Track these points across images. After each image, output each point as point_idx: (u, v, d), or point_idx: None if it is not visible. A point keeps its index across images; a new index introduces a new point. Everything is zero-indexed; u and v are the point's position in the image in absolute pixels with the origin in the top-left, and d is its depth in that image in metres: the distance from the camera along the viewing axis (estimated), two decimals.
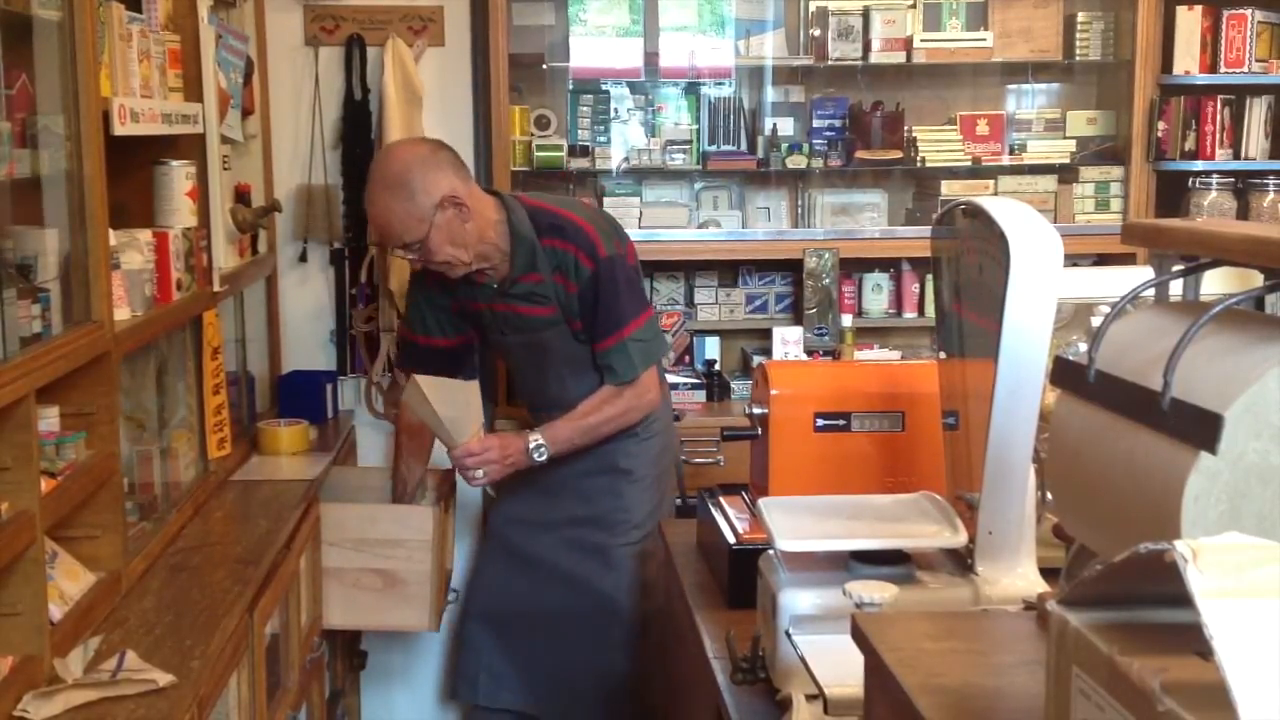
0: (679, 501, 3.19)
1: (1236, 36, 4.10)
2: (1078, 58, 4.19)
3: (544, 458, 2.93)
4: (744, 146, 4.20)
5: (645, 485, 3.05)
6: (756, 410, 2.38)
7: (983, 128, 4.21)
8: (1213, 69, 4.12)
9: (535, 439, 2.92)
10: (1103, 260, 3.95)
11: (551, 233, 2.89)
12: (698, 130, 4.14)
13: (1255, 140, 4.19)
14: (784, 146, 4.10)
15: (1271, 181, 4.10)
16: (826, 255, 4.05)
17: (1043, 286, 1.70)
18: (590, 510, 3.05)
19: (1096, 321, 1.85)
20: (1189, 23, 4.09)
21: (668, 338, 3.11)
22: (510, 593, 3.15)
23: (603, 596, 3.04)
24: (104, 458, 2.24)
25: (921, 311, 4.18)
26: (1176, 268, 1.27)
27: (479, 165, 3.97)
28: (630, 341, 2.91)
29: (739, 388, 3.97)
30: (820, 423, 2.33)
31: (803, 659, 1.71)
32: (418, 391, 3.01)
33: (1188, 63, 4.10)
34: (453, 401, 2.98)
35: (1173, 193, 4.18)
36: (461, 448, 2.92)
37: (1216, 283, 1.31)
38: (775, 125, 4.17)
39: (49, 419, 2.11)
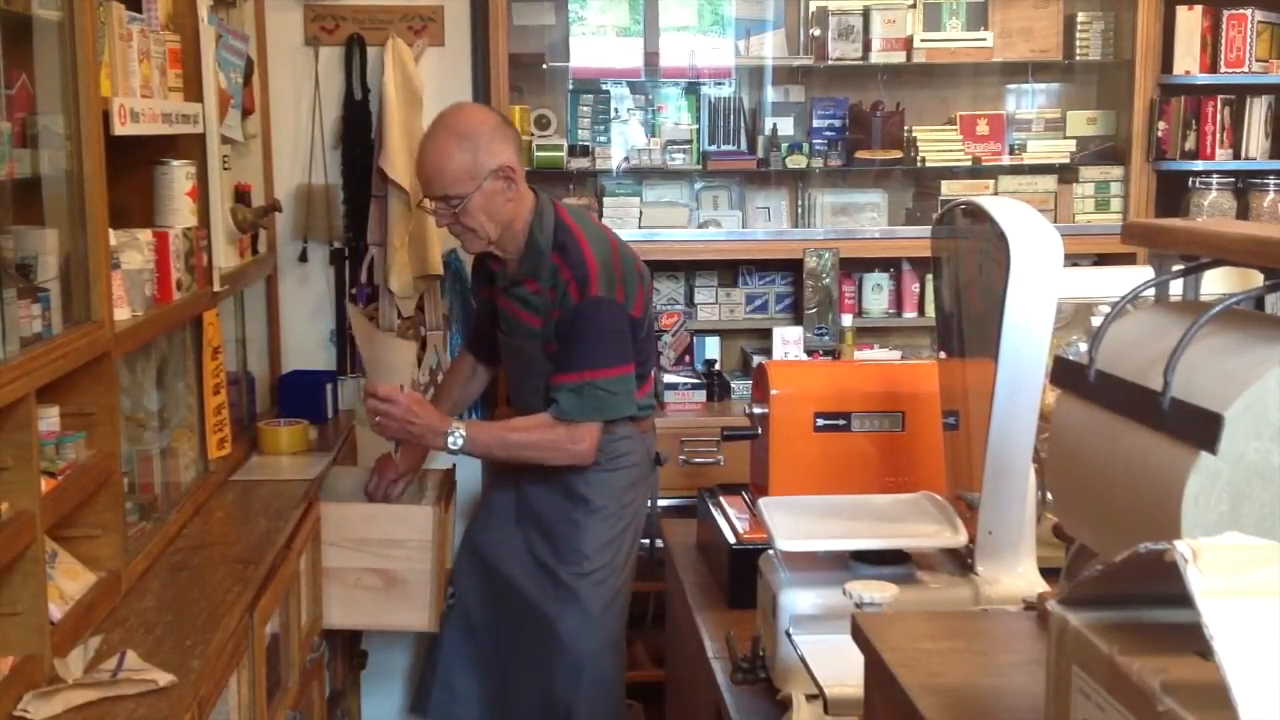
0: (645, 542, 3.10)
1: (1236, 36, 4.10)
2: (1078, 58, 4.20)
3: (458, 448, 2.87)
4: (744, 146, 4.20)
5: (603, 517, 2.95)
6: (756, 410, 2.38)
7: (983, 128, 4.21)
8: (1213, 69, 4.12)
9: (457, 427, 2.88)
10: (1103, 260, 3.95)
11: (560, 251, 2.87)
12: (698, 130, 4.15)
13: (1255, 140, 4.19)
14: (784, 146, 4.10)
15: (1271, 181, 4.11)
16: (826, 255, 4.05)
17: (1043, 286, 1.70)
18: (546, 533, 2.97)
19: (1096, 321, 1.85)
20: (1189, 23, 4.09)
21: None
22: (474, 606, 3.08)
23: (546, 622, 2.95)
24: (104, 458, 2.24)
25: (921, 311, 4.18)
26: (1176, 268, 1.27)
27: None
28: (588, 386, 2.83)
29: (739, 388, 3.97)
30: (820, 423, 2.33)
31: (803, 659, 1.71)
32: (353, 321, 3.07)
33: (1188, 63, 4.10)
34: (373, 344, 3.01)
35: (1173, 193, 4.18)
36: (370, 386, 2.96)
37: (1216, 283, 1.32)
38: (775, 125, 4.17)
39: (49, 419, 2.10)
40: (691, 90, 4.18)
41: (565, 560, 2.94)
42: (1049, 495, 1.80)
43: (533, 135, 4.03)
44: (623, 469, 2.96)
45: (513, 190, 2.84)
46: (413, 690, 3.79)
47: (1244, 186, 4.16)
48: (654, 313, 3.14)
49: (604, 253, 2.87)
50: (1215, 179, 4.11)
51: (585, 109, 4.13)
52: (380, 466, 3.17)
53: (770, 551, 1.93)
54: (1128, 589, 0.90)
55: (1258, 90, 4.19)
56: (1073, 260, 3.00)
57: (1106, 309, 1.23)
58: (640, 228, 4.06)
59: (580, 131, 4.12)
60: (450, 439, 2.86)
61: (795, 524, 1.89)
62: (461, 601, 3.11)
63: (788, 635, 1.78)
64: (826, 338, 4.03)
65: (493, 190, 2.81)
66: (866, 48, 4.10)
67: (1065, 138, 4.26)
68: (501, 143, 2.83)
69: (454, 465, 3.78)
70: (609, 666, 2.96)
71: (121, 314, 2.39)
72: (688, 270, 4.21)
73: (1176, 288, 1.27)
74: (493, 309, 3.06)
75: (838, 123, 4.17)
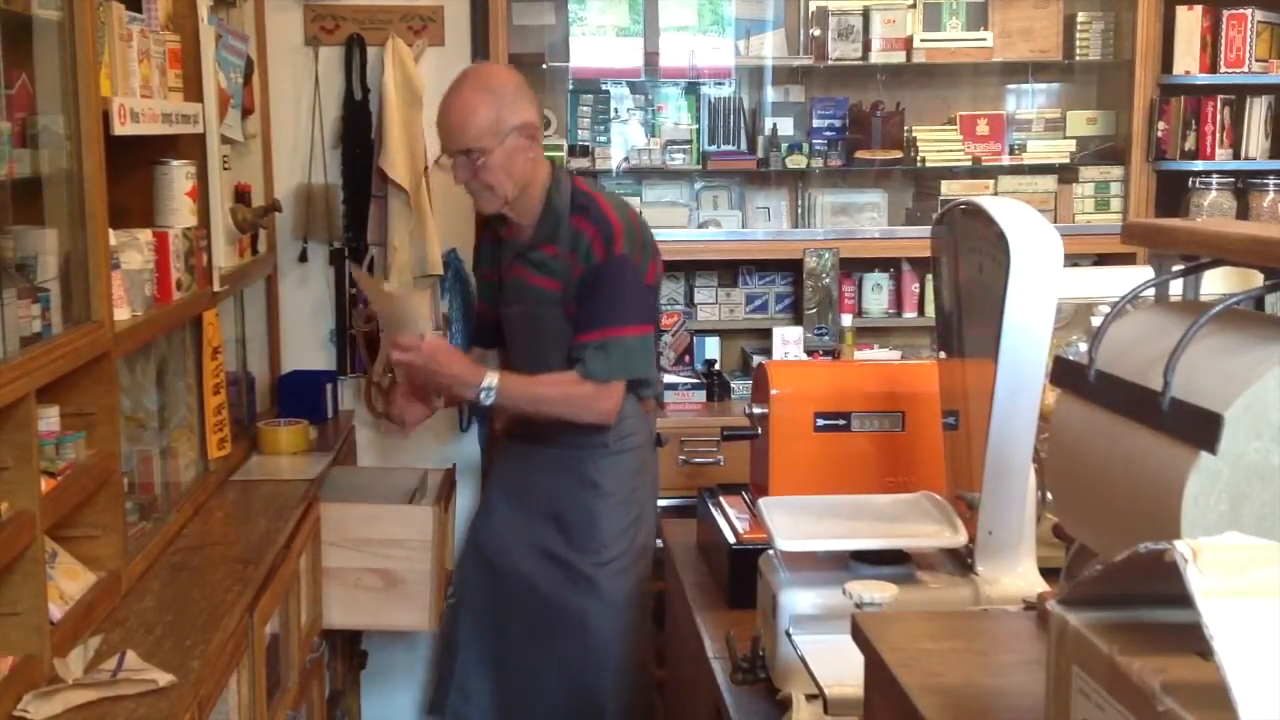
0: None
1: (1236, 36, 4.10)
2: (1078, 58, 4.20)
3: (489, 402, 2.83)
4: (744, 146, 4.20)
5: (615, 503, 2.94)
6: (756, 410, 2.38)
7: (983, 128, 4.21)
8: (1213, 69, 4.12)
9: (490, 380, 2.82)
10: (1103, 260, 3.95)
11: (580, 212, 2.87)
12: (698, 130, 4.15)
13: (1255, 140, 4.19)
14: (784, 146, 4.10)
15: (1271, 181, 4.11)
16: (826, 255, 4.05)
17: (1043, 286, 1.70)
18: (559, 524, 2.95)
19: (1096, 321, 1.85)
20: (1189, 23, 4.09)
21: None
22: (485, 608, 3.05)
23: (565, 616, 2.94)
24: (104, 458, 2.24)
25: (921, 311, 4.18)
26: (1176, 268, 1.26)
27: None
28: (612, 342, 2.82)
29: (739, 388, 3.97)
30: (820, 423, 2.33)
31: (803, 659, 1.71)
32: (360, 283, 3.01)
33: (1188, 63, 4.10)
34: (386, 301, 2.97)
35: (1173, 193, 4.18)
36: (395, 338, 2.88)
37: (1216, 283, 1.32)
38: (775, 125, 4.17)
39: (49, 419, 2.11)
40: (691, 90, 4.18)
41: (582, 551, 2.92)
42: (1049, 495, 1.80)
43: None
44: (630, 450, 2.96)
45: (533, 150, 2.86)
46: (430, 690, 3.79)
47: (1244, 186, 4.16)
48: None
49: (625, 216, 2.90)
50: (1215, 179, 4.11)
51: (585, 109, 4.13)
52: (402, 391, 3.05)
53: (770, 551, 1.92)
54: (1128, 589, 0.90)
55: (1258, 90, 4.19)
56: (1073, 260, 3.00)
57: (1106, 309, 1.23)
58: None
59: (580, 131, 4.12)
60: (482, 393, 2.82)
61: (795, 524, 1.89)
62: (473, 604, 3.07)
63: (788, 635, 1.78)
64: (826, 338, 4.03)
65: (514, 147, 2.81)
66: (866, 48, 4.10)
67: (1065, 138, 4.26)
68: (525, 101, 2.85)
69: (454, 465, 3.78)
70: (635, 657, 2.96)
71: (121, 314, 2.39)
72: (688, 270, 4.21)
73: (1176, 288, 1.27)
74: (496, 292, 3.03)
75: (838, 123, 4.17)
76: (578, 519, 2.94)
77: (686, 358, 4.16)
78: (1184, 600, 0.76)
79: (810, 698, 1.74)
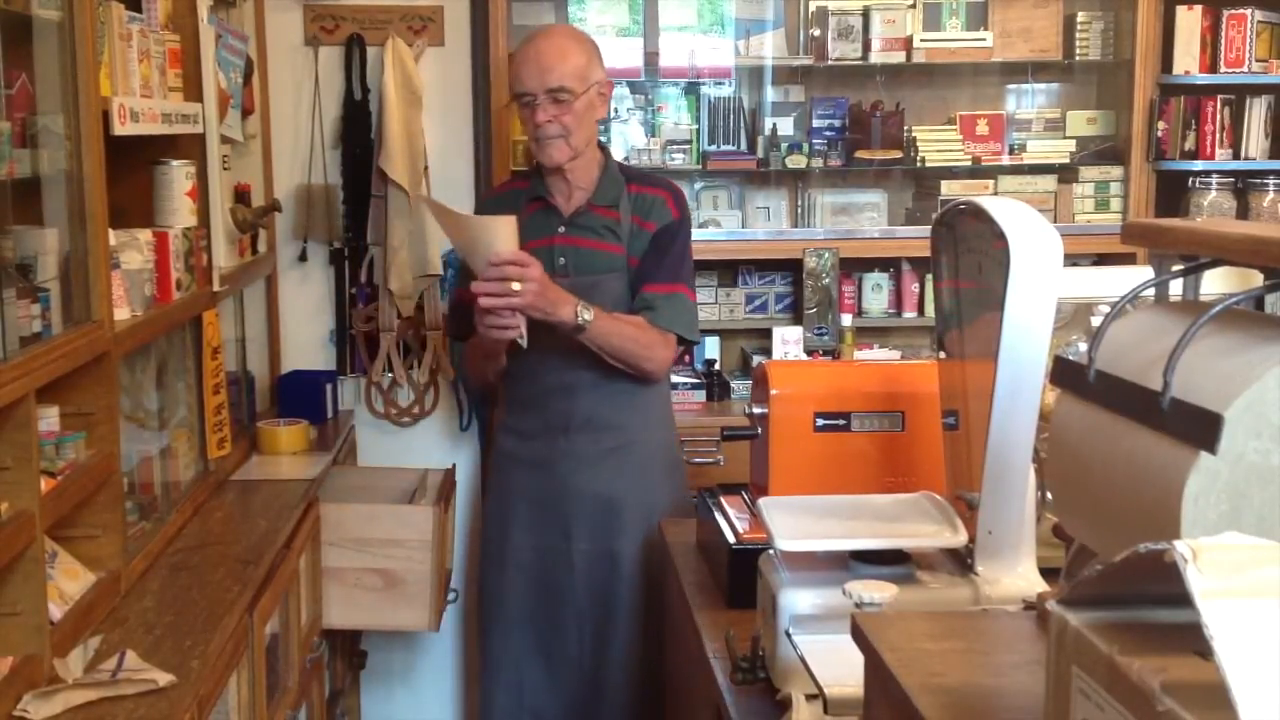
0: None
1: (1236, 36, 4.10)
2: (1078, 58, 4.20)
3: (589, 319, 2.74)
4: (744, 146, 4.20)
5: (670, 485, 2.98)
6: (756, 410, 2.38)
7: (983, 128, 4.22)
8: (1213, 69, 4.12)
9: (584, 304, 2.75)
10: (1103, 260, 3.95)
11: (641, 181, 2.98)
12: (698, 130, 4.15)
13: (1255, 140, 4.19)
14: (784, 146, 4.10)
15: (1271, 181, 4.11)
16: (826, 255, 4.05)
17: (1043, 286, 1.70)
18: (613, 516, 2.92)
19: (1096, 321, 1.85)
20: (1189, 23, 4.09)
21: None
22: (532, 619, 2.99)
23: (626, 601, 2.93)
24: (104, 458, 2.24)
25: (921, 311, 4.18)
26: (1176, 268, 1.26)
27: (479, 165, 3.97)
28: (677, 297, 2.89)
29: (739, 388, 3.97)
30: (820, 423, 2.32)
31: (803, 659, 1.71)
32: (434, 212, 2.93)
33: (1188, 63, 4.10)
34: (464, 228, 2.74)
35: (1173, 193, 4.19)
36: (502, 255, 2.63)
37: (1216, 283, 1.31)
38: (775, 125, 4.17)
39: (49, 419, 2.11)
40: (691, 90, 4.18)
41: (641, 538, 2.92)
42: (1049, 495, 1.80)
43: None
44: (672, 434, 3.03)
45: (602, 112, 2.96)
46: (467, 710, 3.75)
47: (1244, 186, 4.16)
48: None
49: None
50: (1215, 179, 4.11)
51: None
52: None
53: (770, 551, 1.92)
54: (1128, 589, 0.90)
55: (1257, 90, 4.19)
56: (1073, 260, 3.00)
57: (1106, 309, 1.23)
58: None
59: None
60: (581, 314, 2.73)
61: (795, 524, 1.89)
62: (520, 618, 3.00)
63: (787, 635, 1.78)
64: (826, 338, 4.03)
65: (593, 101, 2.89)
66: (866, 48, 4.10)
67: (1065, 138, 4.26)
68: (603, 66, 2.94)
69: (454, 465, 3.78)
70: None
71: (121, 314, 2.39)
72: None
73: (1176, 288, 1.27)
74: None
75: (837, 123, 4.17)
76: (634, 506, 2.93)
77: (686, 358, 4.16)
78: (1184, 600, 0.76)
79: (810, 698, 1.74)
